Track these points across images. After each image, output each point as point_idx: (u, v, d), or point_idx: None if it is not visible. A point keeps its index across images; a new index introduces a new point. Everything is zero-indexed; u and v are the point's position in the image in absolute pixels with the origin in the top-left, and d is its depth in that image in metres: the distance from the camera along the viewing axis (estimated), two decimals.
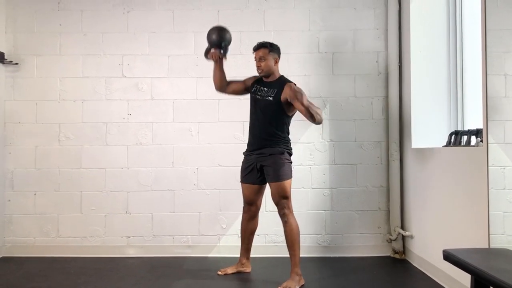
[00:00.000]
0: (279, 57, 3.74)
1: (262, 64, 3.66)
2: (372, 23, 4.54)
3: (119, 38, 4.55)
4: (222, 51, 3.71)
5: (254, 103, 3.75)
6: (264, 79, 3.73)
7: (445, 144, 3.71)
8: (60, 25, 4.56)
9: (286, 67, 4.47)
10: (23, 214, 4.50)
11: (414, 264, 4.12)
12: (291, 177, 3.65)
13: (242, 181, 3.81)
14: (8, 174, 4.51)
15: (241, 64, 4.49)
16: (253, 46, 3.73)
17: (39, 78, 4.54)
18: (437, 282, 3.59)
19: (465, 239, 3.13)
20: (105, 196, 4.50)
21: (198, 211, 4.49)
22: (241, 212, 3.91)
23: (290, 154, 3.71)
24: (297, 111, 3.55)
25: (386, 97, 4.50)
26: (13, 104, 4.53)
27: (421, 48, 4.19)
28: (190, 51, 4.54)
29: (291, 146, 3.74)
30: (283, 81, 3.67)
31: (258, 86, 3.74)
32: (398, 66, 4.43)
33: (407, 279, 3.84)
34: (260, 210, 3.92)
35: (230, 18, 4.51)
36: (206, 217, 4.47)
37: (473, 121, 3.68)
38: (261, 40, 3.75)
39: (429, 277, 3.75)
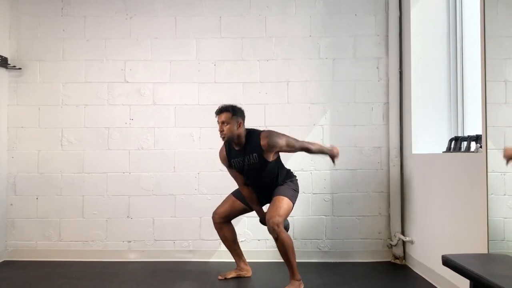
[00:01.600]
0: (243, 120, 3.61)
1: (225, 128, 3.52)
2: (373, 29, 4.57)
3: (122, 43, 4.58)
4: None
5: (242, 173, 3.68)
6: (235, 147, 3.63)
7: (445, 150, 3.72)
8: (63, 30, 4.59)
9: (287, 73, 4.52)
10: (25, 218, 4.52)
11: (414, 270, 4.13)
12: (294, 203, 3.63)
13: (234, 196, 3.85)
14: (10, 178, 4.53)
15: (242, 70, 4.52)
16: (215, 110, 3.63)
17: (42, 83, 4.57)
18: None
19: (465, 245, 3.14)
20: (107, 200, 4.52)
21: (199, 216, 4.50)
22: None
23: (296, 181, 3.74)
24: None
25: (387, 103, 4.52)
26: (16, 108, 4.56)
27: (421, 54, 4.21)
28: (192, 56, 4.57)
29: (292, 174, 3.78)
30: (254, 140, 3.55)
31: (236, 159, 3.64)
32: (398, 72, 4.46)
33: (407, 285, 3.85)
34: None
35: (232, 25, 4.55)
36: (207, 222, 4.47)
37: (473, 127, 3.70)
38: (224, 104, 3.63)
39: (429, 282, 3.76)
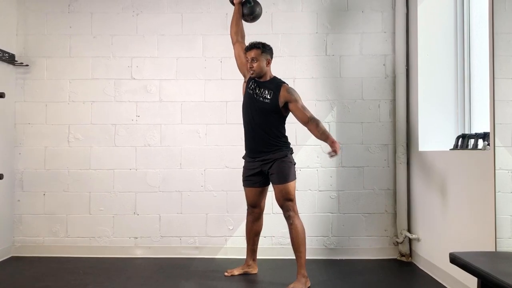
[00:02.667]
0: (271, 58, 3.72)
1: (255, 65, 3.62)
2: (380, 26, 4.55)
3: (128, 40, 4.59)
4: None
5: (250, 102, 3.69)
6: (257, 79, 3.70)
7: (452, 147, 3.71)
8: (70, 27, 4.60)
9: (293, 70, 4.51)
10: (32, 214, 4.54)
11: (421, 267, 4.12)
12: (295, 178, 3.65)
13: (244, 186, 3.83)
14: (18, 175, 4.56)
15: None
16: (245, 46, 3.73)
17: (49, 80, 4.58)
18: (443, 285, 3.59)
19: (472, 243, 3.13)
20: (114, 197, 4.54)
21: (205, 213, 4.51)
22: (245, 218, 3.94)
23: (292, 153, 3.72)
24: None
25: (393, 100, 4.51)
26: (23, 105, 4.58)
27: (428, 51, 4.19)
28: (199, 53, 4.57)
29: (291, 146, 3.76)
30: (277, 83, 3.66)
31: (255, 84, 3.70)
32: (405, 69, 4.44)
33: (413, 282, 3.85)
34: (267, 212, 3.94)
35: None
36: (213, 218, 4.49)
37: (480, 125, 3.68)
38: (254, 41, 3.72)
39: (435, 280, 3.75)
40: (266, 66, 3.67)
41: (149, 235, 4.53)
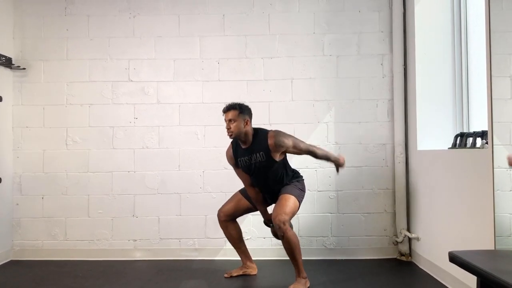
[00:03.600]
0: (250, 118, 3.62)
1: (232, 125, 3.54)
2: (377, 26, 4.55)
3: (126, 42, 4.59)
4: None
5: (248, 172, 3.67)
6: (242, 146, 3.63)
7: (450, 146, 3.71)
8: (67, 30, 4.60)
9: (291, 70, 4.51)
10: (31, 217, 4.54)
11: (421, 266, 4.12)
12: (300, 202, 3.63)
13: (241, 193, 3.85)
14: (16, 178, 4.55)
15: (246, 68, 4.52)
16: (222, 108, 3.65)
17: (46, 83, 4.58)
18: (443, 284, 3.59)
19: (471, 241, 3.13)
20: (112, 199, 4.53)
21: (204, 214, 4.51)
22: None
23: (299, 181, 3.71)
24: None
25: (391, 100, 4.51)
26: (21, 108, 4.57)
27: (425, 50, 4.20)
28: (196, 55, 4.57)
29: (301, 175, 3.79)
30: (262, 138, 3.56)
31: (243, 158, 3.64)
32: (403, 69, 4.44)
33: (413, 281, 3.84)
34: None
35: (235, 22, 4.55)
36: (212, 220, 4.49)
37: (479, 123, 3.68)
38: (231, 103, 3.65)
39: (435, 279, 3.75)
40: (244, 127, 3.56)
41: (148, 237, 4.52)
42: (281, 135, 3.54)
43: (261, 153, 3.55)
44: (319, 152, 3.64)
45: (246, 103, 3.70)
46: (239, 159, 3.66)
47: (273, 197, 3.69)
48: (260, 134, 3.60)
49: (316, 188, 4.49)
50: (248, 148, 3.61)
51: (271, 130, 3.62)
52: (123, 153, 4.55)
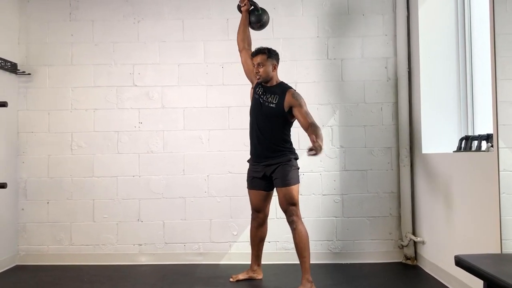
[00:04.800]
0: (277, 62, 3.75)
1: (261, 70, 3.66)
2: (381, 29, 4.55)
3: (130, 47, 4.60)
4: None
5: (256, 107, 3.72)
6: (264, 84, 3.73)
7: (455, 149, 3.70)
8: (72, 35, 4.62)
9: (295, 74, 4.51)
10: (36, 222, 4.55)
11: (426, 270, 4.10)
12: (299, 182, 3.66)
13: (249, 188, 3.82)
14: (21, 183, 4.56)
15: None
16: (251, 52, 3.77)
17: (51, 88, 4.60)
18: None
19: (477, 245, 3.12)
20: (117, 204, 4.54)
21: (209, 218, 4.50)
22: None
23: (296, 159, 3.71)
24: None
25: (396, 103, 4.50)
26: (26, 113, 4.59)
27: (430, 53, 4.19)
28: (200, 59, 4.58)
29: (296, 151, 3.76)
30: (284, 88, 3.68)
31: (261, 89, 3.74)
32: (407, 72, 4.43)
33: (419, 285, 3.82)
34: (271, 217, 3.94)
35: None
36: (217, 224, 4.49)
37: (484, 126, 3.67)
38: (260, 47, 3.75)
39: (441, 283, 3.73)
40: (272, 71, 3.70)
41: (153, 241, 4.52)
42: (299, 97, 3.62)
43: (276, 96, 3.63)
44: (319, 131, 3.40)
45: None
46: (257, 88, 3.75)
47: (262, 153, 3.68)
48: (283, 85, 3.72)
49: (321, 192, 4.48)
50: (268, 88, 3.71)
51: (292, 88, 3.71)
52: (127, 158, 4.55)
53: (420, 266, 4.26)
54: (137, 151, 4.56)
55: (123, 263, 4.48)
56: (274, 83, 3.72)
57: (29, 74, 4.56)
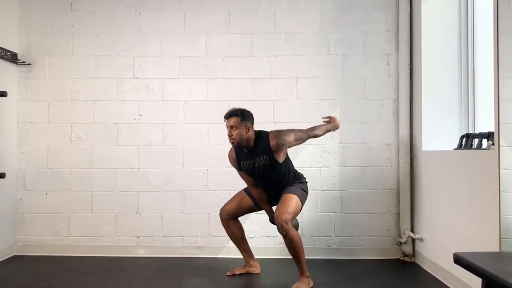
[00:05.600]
0: (252, 124, 3.58)
1: (234, 133, 3.51)
2: (383, 25, 4.53)
3: (131, 39, 4.58)
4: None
5: (253, 172, 3.63)
6: (245, 150, 3.60)
7: (456, 147, 3.69)
8: (73, 26, 4.60)
9: (296, 69, 4.50)
10: (34, 213, 4.54)
11: (424, 267, 4.10)
12: (303, 203, 3.61)
13: (246, 193, 3.83)
14: (20, 174, 4.56)
15: (251, 66, 4.51)
16: (224, 114, 3.61)
17: (51, 79, 4.58)
18: (447, 286, 3.57)
19: (476, 243, 3.12)
20: (116, 196, 4.53)
21: (207, 212, 4.50)
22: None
23: (306, 183, 3.72)
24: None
25: (397, 100, 4.49)
26: (26, 104, 4.58)
27: (432, 50, 4.17)
28: (201, 52, 4.56)
29: (304, 177, 3.77)
30: (264, 142, 3.53)
31: (246, 162, 3.61)
32: (409, 69, 4.42)
33: (417, 282, 3.83)
34: None
35: (241, 20, 4.53)
36: (215, 218, 4.45)
37: (485, 124, 3.66)
38: (232, 108, 3.61)
39: (439, 280, 3.73)
40: (246, 133, 3.52)
41: (152, 234, 4.52)
42: (281, 134, 3.52)
43: (264, 156, 3.53)
44: (320, 133, 3.64)
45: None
46: (242, 163, 3.64)
47: (277, 198, 3.65)
48: (262, 137, 3.56)
49: (320, 188, 4.48)
50: (251, 152, 3.58)
51: (271, 131, 3.59)
52: (127, 150, 4.55)
53: (418, 263, 4.26)
54: (137, 144, 4.55)
55: (121, 255, 4.48)
56: (252, 143, 3.56)
57: (29, 64, 4.55)
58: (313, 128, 3.65)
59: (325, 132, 3.70)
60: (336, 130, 3.80)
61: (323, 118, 3.76)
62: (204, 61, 4.56)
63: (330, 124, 3.71)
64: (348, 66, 4.52)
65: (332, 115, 3.76)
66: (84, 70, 4.58)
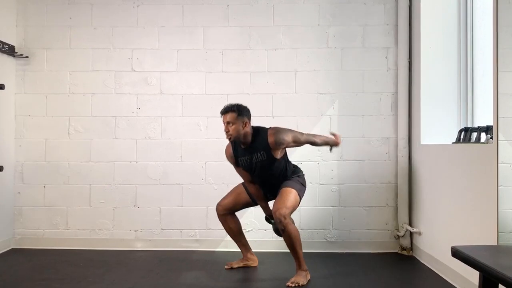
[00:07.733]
0: (249, 119, 3.56)
1: (230, 129, 3.48)
2: (382, 18, 4.52)
3: (129, 32, 4.56)
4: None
5: (250, 167, 3.62)
6: (242, 146, 3.59)
7: (454, 140, 3.69)
8: (70, 18, 4.57)
9: (295, 62, 4.49)
10: (32, 206, 4.54)
11: (422, 261, 4.11)
12: (301, 197, 3.62)
13: (244, 188, 3.83)
14: (18, 167, 4.55)
15: (250, 59, 4.50)
16: (220, 109, 3.59)
17: (49, 72, 4.56)
18: (444, 279, 3.58)
19: (474, 237, 3.12)
20: (114, 189, 4.53)
21: (206, 206, 4.50)
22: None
23: (303, 175, 3.73)
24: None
25: (395, 93, 4.48)
26: (23, 97, 4.56)
27: (431, 44, 4.16)
28: (199, 45, 4.54)
29: (301, 170, 3.78)
30: (262, 137, 3.52)
31: (243, 158, 3.61)
32: (407, 62, 4.41)
33: (414, 276, 3.84)
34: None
35: (239, 13, 4.52)
36: (214, 212, 4.45)
37: (483, 118, 3.66)
38: (229, 104, 3.60)
39: (436, 274, 3.74)
40: (243, 129, 3.50)
41: (150, 227, 4.52)
42: (280, 132, 3.50)
43: (261, 152, 3.52)
44: (318, 141, 3.63)
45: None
46: (239, 159, 3.64)
47: (274, 193, 3.65)
48: (260, 133, 3.55)
49: (318, 181, 4.48)
50: (248, 148, 3.57)
51: (270, 128, 3.57)
52: (125, 143, 4.54)
53: (416, 256, 4.27)
54: (135, 137, 4.54)
55: (119, 248, 4.48)
56: (250, 139, 3.54)
57: (26, 57, 4.53)
58: (313, 136, 3.67)
59: (324, 144, 3.68)
60: (334, 148, 3.75)
61: (330, 132, 3.80)
62: (203, 54, 4.54)
63: (331, 139, 3.69)
64: (347, 59, 4.51)
65: (338, 133, 3.74)
66: (82, 63, 4.56)
